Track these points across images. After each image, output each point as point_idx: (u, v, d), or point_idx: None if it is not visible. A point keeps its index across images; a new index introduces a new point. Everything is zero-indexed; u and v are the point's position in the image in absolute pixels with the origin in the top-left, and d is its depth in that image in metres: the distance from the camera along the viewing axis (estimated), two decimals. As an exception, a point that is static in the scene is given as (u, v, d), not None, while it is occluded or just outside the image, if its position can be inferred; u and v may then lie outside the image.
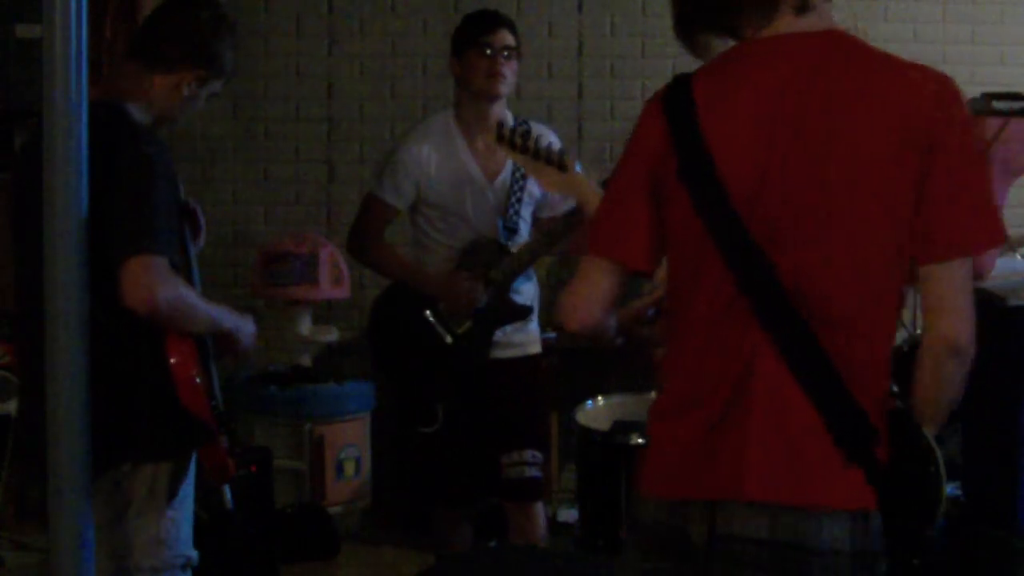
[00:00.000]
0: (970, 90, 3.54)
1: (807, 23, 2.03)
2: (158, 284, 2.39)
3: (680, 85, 1.99)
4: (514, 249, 3.64)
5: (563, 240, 3.58)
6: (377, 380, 5.04)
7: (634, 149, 2.05)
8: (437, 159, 3.65)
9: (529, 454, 3.66)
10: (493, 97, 3.64)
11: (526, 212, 3.73)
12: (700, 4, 2.02)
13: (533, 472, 3.67)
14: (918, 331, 3.98)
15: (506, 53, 3.63)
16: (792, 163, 1.91)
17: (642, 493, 2.05)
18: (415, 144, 3.68)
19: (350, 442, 4.93)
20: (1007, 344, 3.06)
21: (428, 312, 3.64)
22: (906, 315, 4.14)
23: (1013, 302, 3.00)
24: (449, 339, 3.62)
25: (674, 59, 5.26)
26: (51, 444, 2.36)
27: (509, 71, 3.63)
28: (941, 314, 1.93)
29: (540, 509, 3.77)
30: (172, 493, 2.57)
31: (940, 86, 1.98)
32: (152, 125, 2.65)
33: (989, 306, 3.05)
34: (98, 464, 2.45)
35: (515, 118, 3.73)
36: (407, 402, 3.81)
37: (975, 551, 3.16)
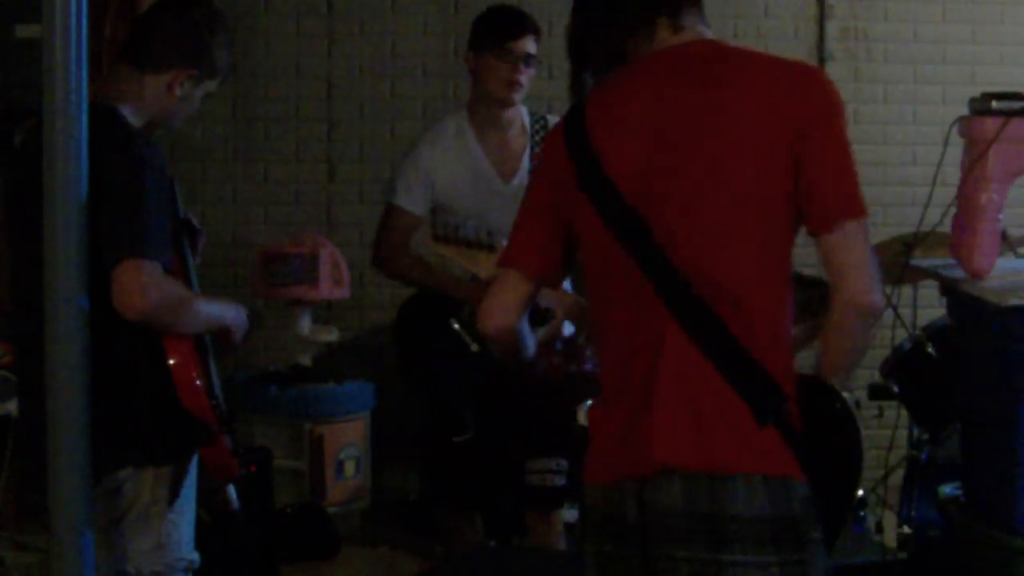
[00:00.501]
0: (970, 90, 3.55)
1: (681, 38, 2.19)
2: (150, 288, 2.38)
3: (576, 109, 2.23)
4: None
5: None
6: (377, 380, 5.04)
7: (539, 172, 2.33)
8: (450, 161, 3.60)
9: (554, 462, 3.58)
10: (507, 104, 3.60)
11: None
12: (592, 32, 2.25)
13: (557, 480, 3.59)
14: (918, 330, 3.98)
15: (526, 61, 3.56)
16: (669, 161, 2.10)
17: (584, 481, 2.20)
18: (427, 148, 3.63)
19: (350, 442, 4.93)
20: (1007, 344, 3.06)
21: (453, 320, 3.57)
22: (906, 315, 4.14)
23: (1013, 302, 3.00)
24: (475, 347, 3.53)
25: (674, 59, 5.26)
26: (51, 444, 2.36)
27: (526, 79, 3.58)
28: (845, 277, 2.06)
29: (559, 517, 3.70)
30: (173, 496, 2.57)
31: (804, 77, 2.13)
32: (147, 127, 2.64)
33: (989, 306, 3.04)
34: (99, 468, 2.44)
35: (531, 115, 3.69)
36: (436, 412, 3.71)
37: (975, 551, 3.16)
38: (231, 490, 2.98)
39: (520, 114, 3.66)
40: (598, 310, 2.21)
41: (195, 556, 2.66)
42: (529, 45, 3.57)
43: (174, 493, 2.57)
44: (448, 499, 3.77)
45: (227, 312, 2.68)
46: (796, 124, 2.05)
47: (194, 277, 2.73)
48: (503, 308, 2.27)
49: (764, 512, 2.02)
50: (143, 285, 2.38)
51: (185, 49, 2.61)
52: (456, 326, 3.57)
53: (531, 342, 2.36)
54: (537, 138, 3.64)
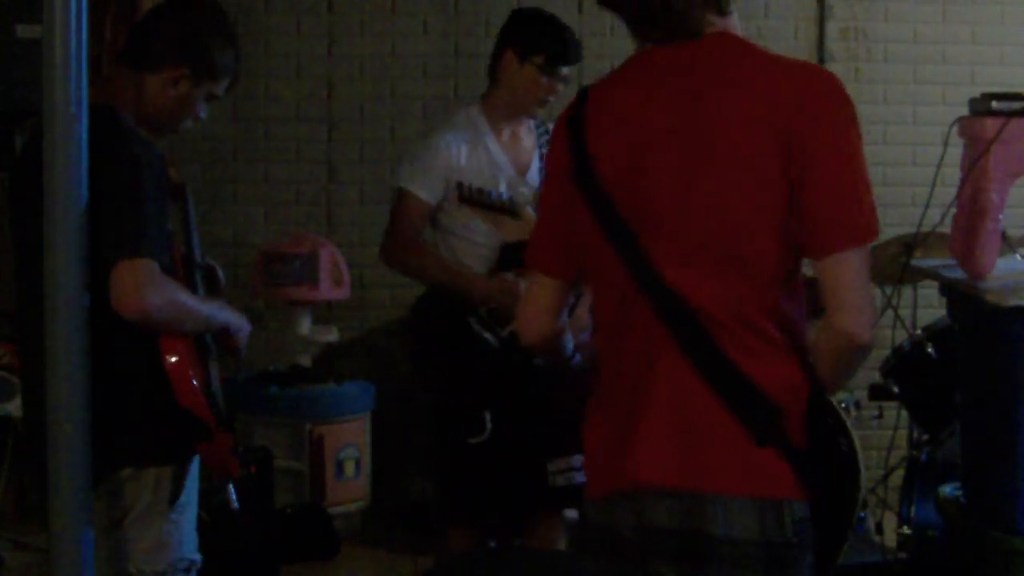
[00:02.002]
0: (970, 90, 3.55)
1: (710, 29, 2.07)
2: (147, 289, 2.38)
3: (579, 99, 2.13)
4: None
5: None
6: (377, 380, 5.04)
7: (548, 168, 2.21)
8: (467, 151, 3.52)
9: (577, 459, 3.47)
10: (531, 116, 3.60)
11: None
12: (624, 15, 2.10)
13: (579, 477, 3.47)
14: (918, 330, 3.98)
15: (564, 82, 3.56)
16: (658, 163, 1.99)
17: (584, 495, 2.15)
18: (442, 136, 3.54)
19: (350, 442, 4.93)
20: (1007, 344, 3.06)
21: (471, 318, 3.48)
22: (906, 315, 4.15)
23: (1013, 302, 3.00)
24: (495, 343, 3.47)
25: (674, 59, 5.27)
26: (51, 445, 2.36)
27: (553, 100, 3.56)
28: (836, 309, 1.95)
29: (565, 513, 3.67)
30: (175, 496, 2.57)
31: (810, 82, 1.97)
32: (151, 130, 2.63)
33: (989, 306, 3.05)
34: (100, 469, 2.45)
35: (536, 119, 3.67)
36: (452, 412, 3.59)
37: (975, 551, 3.16)
38: (231, 490, 2.99)
39: (527, 121, 3.67)
40: (595, 308, 2.15)
41: (196, 556, 2.66)
42: (571, 69, 3.57)
43: (175, 493, 2.57)
44: (463, 509, 3.65)
45: (224, 314, 2.67)
46: (790, 137, 1.91)
47: (199, 282, 2.74)
48: (538, 314, 2.21)
49: (753, 535, 1.95)
50: (141, 285, 2.37)
51: (181, 48, 2.59)
52: (475, 324, 3.48)
53: (569, 341, 2.29)
54: (542, 140, 3.64)
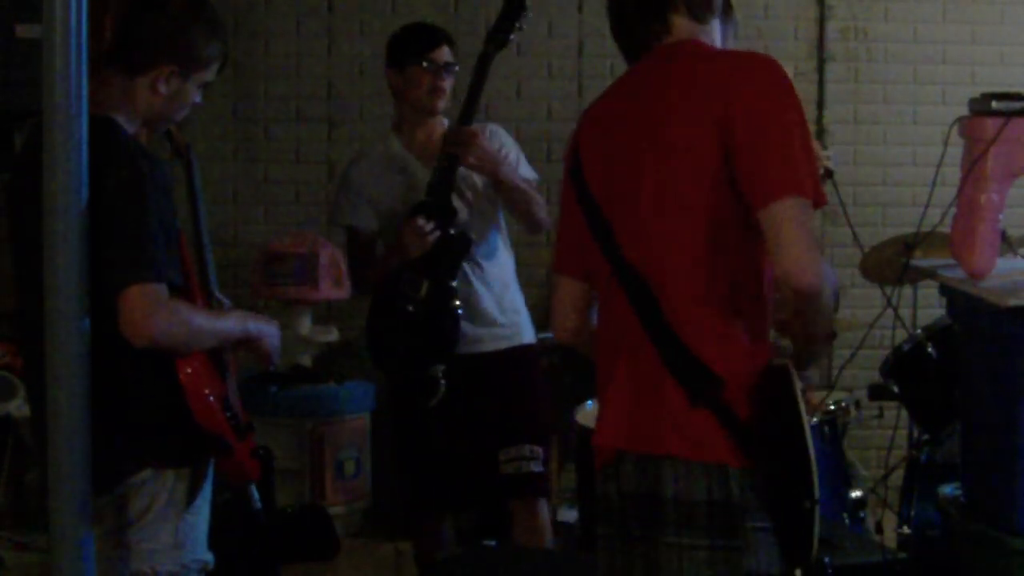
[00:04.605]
0: (970, 90, 3.55)
1: (673, 37, 2.26)
2: (154, 316, 2.37)
3: (584, 113, 2.39)
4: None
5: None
6: (377, 380, 5.04)
7: (564, 167, 2.41)
8: (378, 171, 3.74)
9: (527, 448, 3.61)
10: (433, 112, 3.73)
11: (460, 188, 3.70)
12: (616, 22, 2.33)
13: (533, 467, 3.62)
14: (918, 330, 3.98)
15: (447, 70, 3.70)
16: (621, 160, 2.21)
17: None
18: (352, 168, 3.81)
19: (350, 442, 4.93)
20: (1007, 344, 3.05)
21: (394, 297, 3.61)
22: (906, 315, 4.14)
23: (1013, 302, 2.99)
24: (412, 307, 3.58)
25: (674, 59, 5.26)
26: (51, 445, 2.35)
27: (448, 86, 3.71)
28: (777, 255, 2.05)
29: (544, 506, 3.71)
30: (191, 498, 2.57)
31: (741, 68, 2.13)
32: (147, 128, 2.62)
33: (989, 306, 3.04)
34: (119, 470, 2.46)
35: (439, 112, 3.76)
36: (402, 384, 3.75)
37: (975, 551, 3.16)
38: (252, 490, 2.99)
39: (442, 124, 3.78)
40: (599, 301, 2.33)
41: (210, 557, 2.66)
42: (447, 54, 3.72)
43: (192, 495, 2.57)
44: (419, 497, 3.80)
45: (242, 325, 2.69)
46: (724, 122, 2.07)
47: (212, 276, 2.78)
48: (561, 311, 2.40)
49: (698, 496, 2.06)
50: (149, 312, 2.36)
51: (164, 45, 2.54)
52: (396, 300, 3.61)
53: None
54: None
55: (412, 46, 3.72)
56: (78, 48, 2.30)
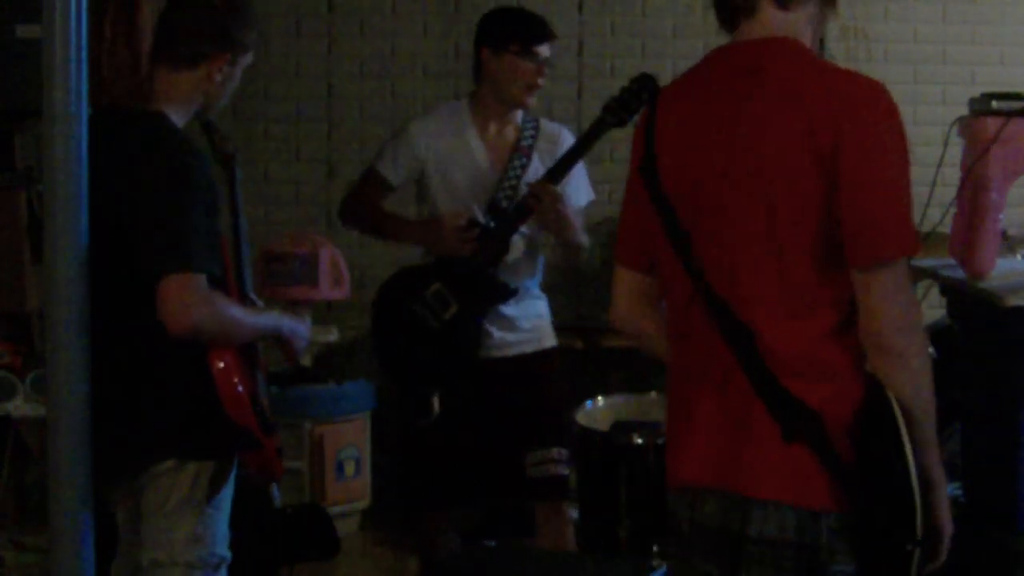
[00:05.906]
0: (970, 90, 3.56)
1: (756, 30, 2.06)
2: (194, 307, 2.41)
3: (655, 95, 2.19)
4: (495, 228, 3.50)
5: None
6: (377, 380, 5.04)
7: (631, 159, 2.21)
8: (444, 140, 3.55)
9: (555, 451, 3.54)
10: (522, 107, 3.57)
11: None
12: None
13: (559, 470, 3.56)
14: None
15: (547, 67, 3.53)
16: (705, 166, 2.02)
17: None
18: (416, 124, 3.60)
19: (350, 442, 4.93)
20: (1007, 344, 3.06)
21: (415, 304, 3.51)
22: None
23: (1013, 302, 3.00)
24: (435, 324, 3.49)
25: (674, 59, 5.26)
26: (51, 444, 2.36)
27: (543, 83, 3.54)
28: (864, 315, 1.95)
29: (567, 508, 3.67)
30: (213, 492, 2.59)
31: (862, 92, 1.97)
32: (198, 115, 2.68)
33: (989, 306, 3.05)
34: (143, 459, 2.49)
35: (524, 115, 3.66)
36: (403, 396, 3.70)
37: (975, 551, 3.16)
38: (274, 488, 3.01)
39: (516, 118, 3.65)
40: (667, 305, 2.20)
41: (227, 553, 2.68)
42: (549, 50, 3.53)
43: (214, 489, 2.59)
44: (417, 493, 3.73)
45: (275, 323, 2.75)
46: (832, 140, 1.92)
47: (248, 279, 2.80)
48: (618, 301, 2.27)
49: (787, 536, 1.95)
50: (187, 302, 2.40)
51: (214, 38, 2.61)
52: (418, 307, 3.51)
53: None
54: (527, 134, 3.62)
55: (519, 33, 3.49)
56: (78, 48, 2.31)
